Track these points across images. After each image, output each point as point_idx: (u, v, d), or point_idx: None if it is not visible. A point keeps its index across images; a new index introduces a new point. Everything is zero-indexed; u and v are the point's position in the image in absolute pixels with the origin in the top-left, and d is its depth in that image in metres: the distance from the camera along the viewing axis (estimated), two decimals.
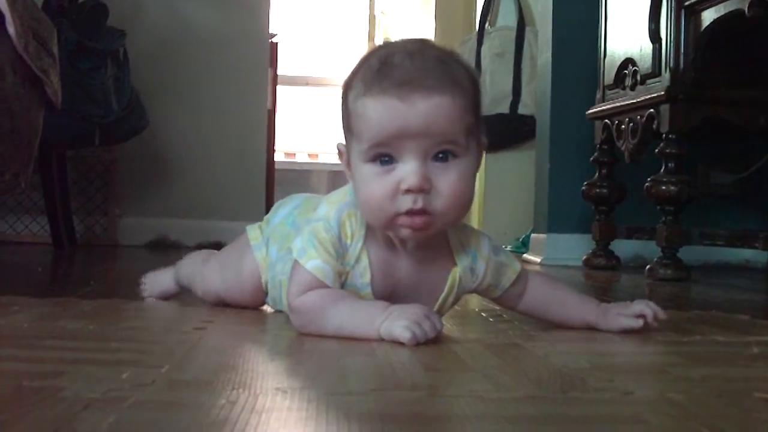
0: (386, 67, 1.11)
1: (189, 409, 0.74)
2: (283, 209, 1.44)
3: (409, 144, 1.10)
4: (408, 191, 1.10)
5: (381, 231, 1.19)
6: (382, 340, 1.11)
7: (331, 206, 1.22)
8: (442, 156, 1.12)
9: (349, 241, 1.20)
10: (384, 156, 1.12)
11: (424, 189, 1.10)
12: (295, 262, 1.21)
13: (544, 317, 1.34)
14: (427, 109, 1.09)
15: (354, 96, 1.14)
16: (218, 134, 4.10)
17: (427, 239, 1.18)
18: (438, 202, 1.12)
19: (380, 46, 1.19)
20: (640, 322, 1.26)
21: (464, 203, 1.15)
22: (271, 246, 1.41)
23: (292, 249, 1.22)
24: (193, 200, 4.02)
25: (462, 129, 1.12)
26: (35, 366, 0.93)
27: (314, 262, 1.18)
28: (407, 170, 1.10)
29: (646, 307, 1.27)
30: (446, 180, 1.12)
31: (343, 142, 1.22)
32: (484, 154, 1.23)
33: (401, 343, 1.09)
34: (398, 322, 1.10)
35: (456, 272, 1.25)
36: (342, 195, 1.24)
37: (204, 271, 1.54)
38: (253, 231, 1.48)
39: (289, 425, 0.70)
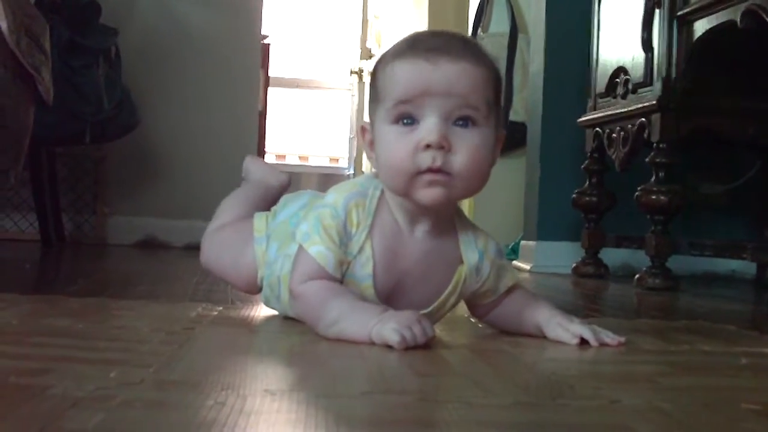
0: (415, 41, 1.19)
1: (177, 410, 0.74)
2: (291, 206, 1.43)
3: (432, 103, 1.14)
4: (428, 147, 1.13)
5: (403, 197, 1.19)
6: (372, 343, 1.11)
7: (339, 194, 1.23)
8: (463, 122, 1.15)
9: (354, 230, 1.21)
10: (407, 117, 1.16)
11: (443, 146, 1.13)
12: (300, 247, 1.21)
13: (506, 327, 1.34)
14: (451, 70, 1.15)
15: (383, 65, 1.20)
16: (209, 135, 4.09)
17: (436, 216, 1.21)
18: (457, 162, 1.14)
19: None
20: (575, 341, 1.24)
21: (481, 170, 1.17)
22: (272, 243, 1.40)
23: (296, 233, 1.23)
24: (182, 201, 4.01)
25: (483, 98, 1.16)
26: (22, 363, 0.93)
27: (317, 248, 1.19)
28: (427, 127, 1.14)
29: (590, 333, 1.24)
30: (465, 143, 1.15)
31: (366, 120, 1.25)
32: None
33: (391, 347, 1.09)
34: (389, 325, 1.10)
35: (462, 270, 1.25)
36: (352, 185, 1.26)
37: (208, 242, 1.54)
38: (259, 221, 1.46)
39: (278, 428, 0.70)
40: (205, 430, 0.67)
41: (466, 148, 1.14)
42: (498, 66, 1.23)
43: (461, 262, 1.25)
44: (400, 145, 1.15)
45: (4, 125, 2.26)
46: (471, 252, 1.26)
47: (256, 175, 1.70)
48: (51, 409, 0.71)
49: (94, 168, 3.98)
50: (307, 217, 1.24)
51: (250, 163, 1.74)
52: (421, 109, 1.14)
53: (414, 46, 1.17)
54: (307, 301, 1.20)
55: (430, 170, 1.13)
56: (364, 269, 1.21)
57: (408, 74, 1.15)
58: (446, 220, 1.24)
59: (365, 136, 1.25)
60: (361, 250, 1.21)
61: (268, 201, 1.56)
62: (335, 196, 1.23)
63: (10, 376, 0.83)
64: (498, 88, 1.21)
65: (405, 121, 1.16)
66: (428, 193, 1.15)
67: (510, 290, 1.31)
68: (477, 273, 1.26)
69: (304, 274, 1.20)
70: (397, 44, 1.21)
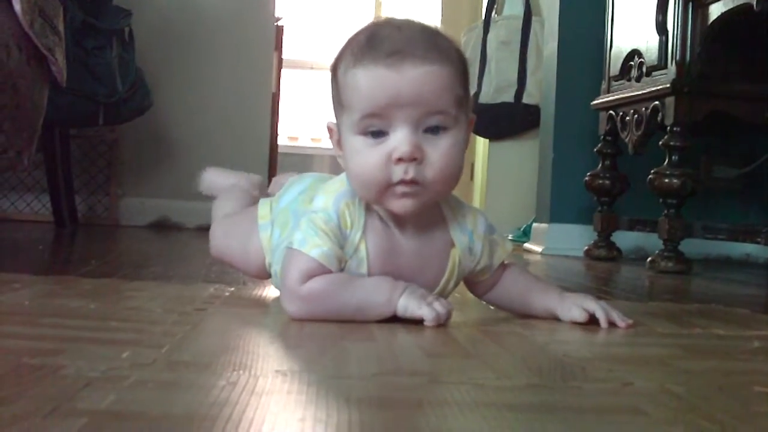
0: (375, 40, 1.13)
1: (189, 390, 0.74)
2: (292, 191, 1.41)
3: (401, 113, 1.11)
4: (399, 160, 1.11)
5: (374, 204, 1.19)
6: (391, 320, 1.13)
7: (328, 196, 1.21)
8: (433, 129, 1.13)
9: (348, 230, 1.19)
10: (375, 128, 1.13)
11: (415, 158, 1.11)
12: (293, 251, 1.18)
13: (510, 308, 1.35)
14: (417, 77, 1.10)
15: (344, 69, 1.15)
16: (222, 116, 4.10)
17: (420, 214, 1.18)
18: (429, 172, 1.12)
19: (367, 24, 1.19)
20: (585, 316, 1.24)
21: (454, 174, 1.16)
22: (275, 229, 1.39)
23: (292, 242, 1.20)
24: (195, 182, 4.01)
25: (452, 99, 1.13)
26: (36, 343, 0.93)
27: (318, 250, 1.17)
28: (398, 139, 1.11)
29: (599, 308, 1.25)
30: (437, 151, 1.12)
31: (333, 120, 1.22)
32: (476, 137, 1.23)
33: (403, 327, 1.09)
34: (418, 301, 1.11)
35: (456, 254, 1.25)
36: (339, 184, 1.23)
37: (218, 231, 1.56)
38: (263, 207, 1.45)
39: (289, 408, 0.70)
40: (217, 410, 0.67)
41: (438, 155, 1.12)
42: (463, 54, 1.19)
43: (453, 246, 1.25)
44: (371, 157, 1.13)
45: (18, 106, 2.26)
46: (461, 234, 1.25)
47: (225, 183, 1.69)
48: (64, 389, 0.71)
49: (108, 149, 3.99)
50: (299, 226, 1.21)
51: (212, 175, 1.73)
52: (390, 121, 1.11)
53: (374, 47, 1.12)
54: (316, 298, 1.17)
55: (402, 182, 1.12)
56: (359, 269, 1.20)
57: (372, 86, 1.11)
58: (432, 210, 1.23)
59: (332, 136, 1.22)
60: (356, 250, 1.20)
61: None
62: (324, 198, 1.21)
63: (23, 357, 0.83)
64: (466, 79, 1.18)
65: (374, 132, 1.13)
66: (400, 204, 1.14)
67: (505, 267, 1.32)
68: (470, 253, 1.26)
69: (305, 275, 1.17)
70: (356, 41, 1.15)
